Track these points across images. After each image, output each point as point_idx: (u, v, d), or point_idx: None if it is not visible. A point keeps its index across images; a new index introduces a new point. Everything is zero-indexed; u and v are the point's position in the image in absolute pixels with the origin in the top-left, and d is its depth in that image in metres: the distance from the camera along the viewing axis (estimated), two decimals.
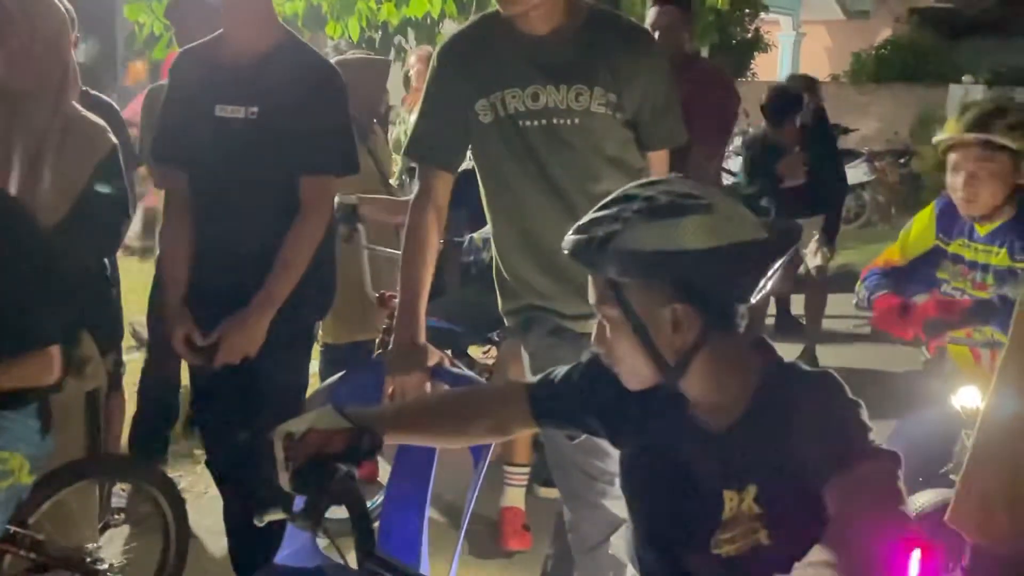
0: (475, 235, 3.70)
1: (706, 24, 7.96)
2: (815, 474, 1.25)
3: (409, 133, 2.27)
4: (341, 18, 7.33)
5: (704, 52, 8.48)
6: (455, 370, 2.07)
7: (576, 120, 2.10)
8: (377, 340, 3.48)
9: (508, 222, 2.23)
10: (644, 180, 1.48)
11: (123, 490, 3.29)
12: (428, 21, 7.46)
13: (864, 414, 1.32)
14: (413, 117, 7.01)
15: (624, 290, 1.35)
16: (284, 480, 1.43)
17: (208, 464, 2.71)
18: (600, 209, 1.38)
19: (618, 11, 2.40)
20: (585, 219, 1.39)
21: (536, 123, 2.11)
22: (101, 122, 2.45)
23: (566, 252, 1.40)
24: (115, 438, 3.29)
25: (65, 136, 2.35)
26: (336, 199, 2.84)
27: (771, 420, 1.34)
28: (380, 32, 7.98)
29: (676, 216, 1.31)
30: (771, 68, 16.02)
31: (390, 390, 2.09)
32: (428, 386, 2.04)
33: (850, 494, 1.22)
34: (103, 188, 2.35)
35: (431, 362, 2.06)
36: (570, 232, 1.40)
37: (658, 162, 2.24)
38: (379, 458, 3.08)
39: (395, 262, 3.66)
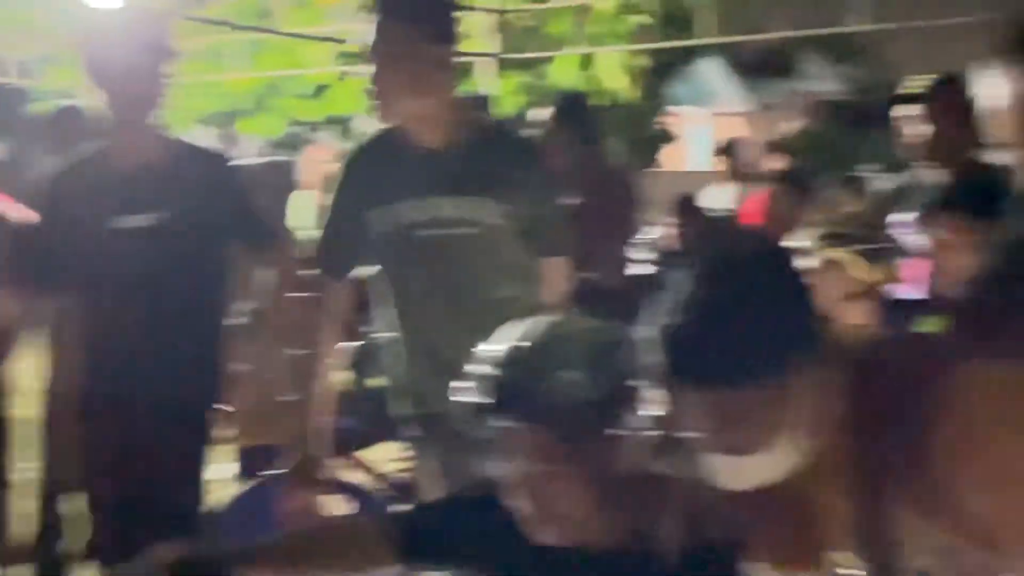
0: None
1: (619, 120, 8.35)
2: None
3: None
4: None
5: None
6: (348, 482, 2.05)
7: (472, 230, 2.15)
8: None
9: (403, 329, 2.24)
10: None
11: None
12: None
13: None
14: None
15: None
16: None
17: None
18: None
19: (506, 127, 2.49)
20: None
21: (430, 233, 2.15)
22: None
23: None
24: None
25: None
26: None
27: None
28: None
29: None
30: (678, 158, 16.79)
31: (285, 504, 2.05)
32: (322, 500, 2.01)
33: None
34: None
35: (325, 473, 2.03)
36: None
37: (552, 269, 2.29)
38: None
39: None
